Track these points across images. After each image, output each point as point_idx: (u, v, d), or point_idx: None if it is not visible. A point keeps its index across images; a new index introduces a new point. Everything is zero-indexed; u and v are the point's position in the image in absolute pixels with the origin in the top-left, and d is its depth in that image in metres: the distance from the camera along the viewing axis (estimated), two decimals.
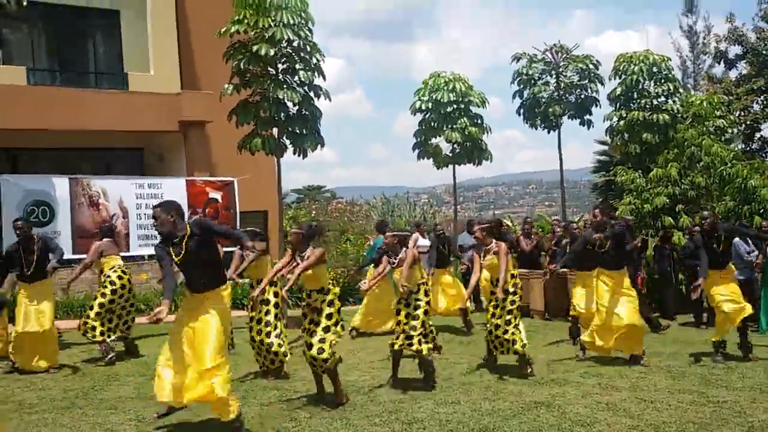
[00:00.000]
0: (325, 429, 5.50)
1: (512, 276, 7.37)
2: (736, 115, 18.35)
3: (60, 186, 11.56)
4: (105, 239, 9.07)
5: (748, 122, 19.64)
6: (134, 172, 16.04)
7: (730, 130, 15.09)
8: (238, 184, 13.59)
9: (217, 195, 13.02)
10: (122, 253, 9.66)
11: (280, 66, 12.14)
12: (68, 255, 11.12)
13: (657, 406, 6.05)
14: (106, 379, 7.44)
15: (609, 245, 8.02)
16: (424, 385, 6.79)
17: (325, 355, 5.92)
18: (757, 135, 20.24)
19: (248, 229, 8.16)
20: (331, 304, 6.12)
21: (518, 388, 6.73)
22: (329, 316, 6.07)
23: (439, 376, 7.20)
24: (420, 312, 6.87)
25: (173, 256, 5.33)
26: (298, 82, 12.17)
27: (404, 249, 7.12)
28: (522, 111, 16.86)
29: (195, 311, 5.36)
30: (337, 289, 6.29)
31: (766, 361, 7.94)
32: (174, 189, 12.78)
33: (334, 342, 6.05)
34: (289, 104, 12.11)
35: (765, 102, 19.92)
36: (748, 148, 19.80)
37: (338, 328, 6.15)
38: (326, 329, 6.04)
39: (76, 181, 11.87)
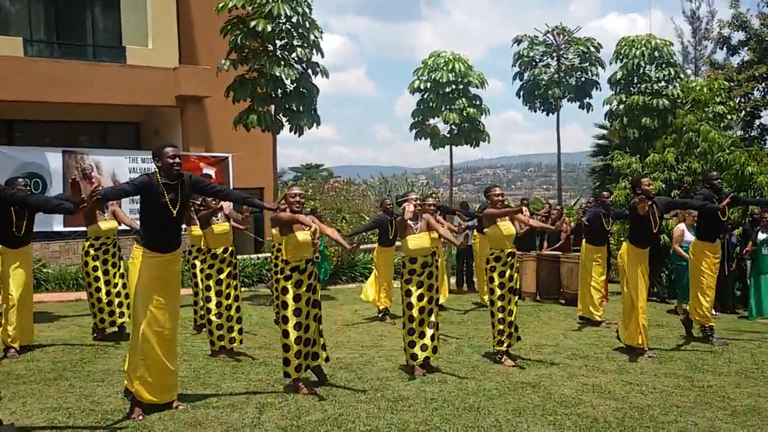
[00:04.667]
0: (310, 405, 5.52)
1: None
2: (737, 101, 18.25)
3: (53, 158, 11.54)
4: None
5: (748, 109, 19.55)
6: (130, 146, 16.02)
7: (729, 117, 15.03)
8: (233, 160, 13.56)
9: (210, 171, 12.99)
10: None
11: (277, 42, 12.08)
12: (59, 227, 11.15)
13: (642, 389, 6.08)
14: (95, 351, 7.46)
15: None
16: None
17: None
18: (757, 122, 20.15)
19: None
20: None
21: (505, 369, 6.76)
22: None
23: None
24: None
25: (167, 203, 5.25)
26: (296, 59, 12.11)
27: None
28: (522, 93, 16.83)
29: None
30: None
31: (754, 346, 7.98)
32: None
33: None
34: (287, 81, 12.06)
35: (766, 89, 19.81)
36: (747, 135, 19.72)
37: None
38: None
39: (69, 154, 11.86)
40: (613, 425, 5.10)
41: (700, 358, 7.31)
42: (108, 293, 8.14)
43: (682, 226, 10.18)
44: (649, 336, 8.24)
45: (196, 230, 8.19)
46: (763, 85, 19.77)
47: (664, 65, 15.06)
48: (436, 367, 6.72)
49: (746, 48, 20.23)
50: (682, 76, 15.66)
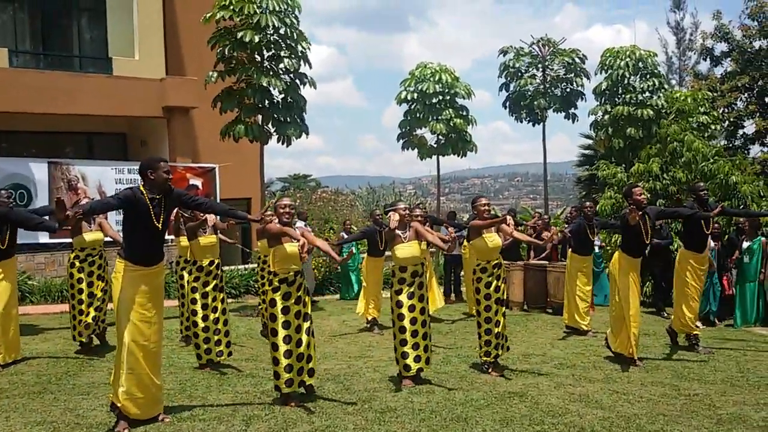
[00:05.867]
0: (297, 417, 5.50)
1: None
2: (720, 111, 18.43)
3: (39, 169, 11.47)
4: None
5: (731, 119, 19.74)
6: (117, 156, 15.94)
7: (713, 127, 15.18)
8: (221, 171, 13.53)
9: (197, 182, 12.94)
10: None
11: (265, 53, 12.09)
12: (44, 239, 11.07)
13: (629, 398, 6.10)
14: (80, 364, 7.40)
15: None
16: None
17: None
18: (740, 132, 20.34)
19: None
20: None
21: (492, 379, 6.76)
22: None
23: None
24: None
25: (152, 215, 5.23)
26: (284, 69, 12.13)
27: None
28: (508, 104, 16.94)
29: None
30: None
31: (739, 354, 8.04)
32: None
33: None
34: (274, 92, 12.08)
35: (749, 99, 20.01)
36: (730, 145, 19.91)
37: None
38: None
39: (55, 165, 11.79)
40: None
41: (687, 367, 7.35)
42: (90, 305, 8.07)
43: None
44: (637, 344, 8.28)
45: (185, 241, 8.16)
46: (746, 95, 19.98)
47: (648, 76, 15.21)
48: (424, 378, 6.71)
49: (729, 59, 20.45)
50: (666, 86, 15.81)
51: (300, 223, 13.18)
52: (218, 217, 7.60)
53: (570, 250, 9.86)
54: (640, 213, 7.32)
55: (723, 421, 5.42)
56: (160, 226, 5.26)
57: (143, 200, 5.19)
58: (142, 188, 5.25)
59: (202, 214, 7.33)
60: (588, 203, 10.04)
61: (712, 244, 10.17)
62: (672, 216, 8.89)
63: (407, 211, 6.84)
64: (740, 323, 10.09)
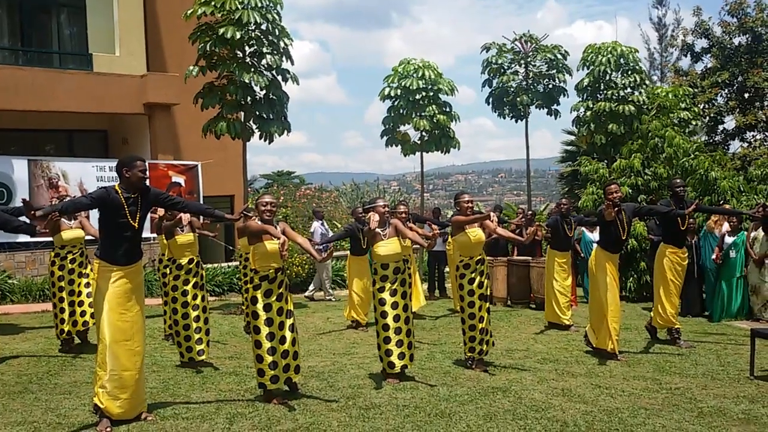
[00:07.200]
0: (281, 414, 5.49)
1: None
2: (701, 107, 18.61)
3: (19, 167, 11.35)
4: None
5: (711, 115, 19.95)
6: (98, 154, 15.82)
7: (693, 122, 15.29)
8: (203, 168, 13.44)
9: (180, 179, 12.85)
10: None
11: (247, 49, 12.00)
12: (25, 238, 10.93)
13: (611, 392, 6.15)
14: (61, 364, 7.34)
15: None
16: None
17: None
18: (720, 127, 20.57)
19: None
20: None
21: (476, 374, 6.79)
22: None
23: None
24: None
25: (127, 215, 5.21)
26: (266, 66, 12.06)
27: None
28: (491, 100, 16.97)
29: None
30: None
31: (720, 348, 8.13)
32: None
33: None
34: (256, 88, 11.99)
35: (729, 95, 20.23)
36: (710, 141, 20.12)
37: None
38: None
39: (35, 163, 11.67)
40: (583, 428, 5.15)
41: (668, 361, 7.42)
42: (72, 303, 8.01)
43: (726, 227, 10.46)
44: (620, 339, 8.33)
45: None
46: (726, 91, 20.21)
47: (629, 72, 15.29)
48: (408, 374, 6.72)
49: (709, 55, 20.65)
50: (647, 82, 15.91)
51: (317, 223, 13.25)
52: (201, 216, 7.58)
53: (549, 246, 9.96)
54: (616, 209, 7.40)
55: (704, 414, 5.48)
56: (136, 225, 5.24)
57: (118, 199, 5.18)
58: (117, 187, 5.24)
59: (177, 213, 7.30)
60: (563, 200, 10.18)
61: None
62: (648, 213, 8.97)
63: (386, 208, 6.80)
64: (722, 317, 10.19)
